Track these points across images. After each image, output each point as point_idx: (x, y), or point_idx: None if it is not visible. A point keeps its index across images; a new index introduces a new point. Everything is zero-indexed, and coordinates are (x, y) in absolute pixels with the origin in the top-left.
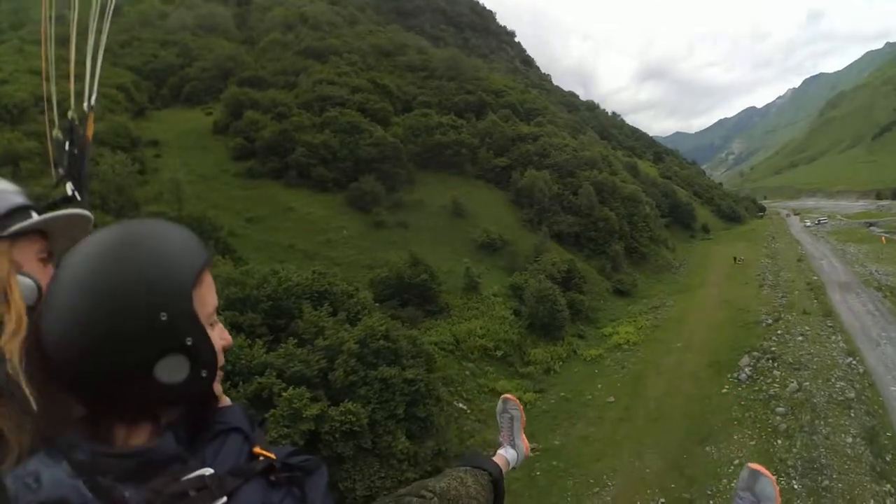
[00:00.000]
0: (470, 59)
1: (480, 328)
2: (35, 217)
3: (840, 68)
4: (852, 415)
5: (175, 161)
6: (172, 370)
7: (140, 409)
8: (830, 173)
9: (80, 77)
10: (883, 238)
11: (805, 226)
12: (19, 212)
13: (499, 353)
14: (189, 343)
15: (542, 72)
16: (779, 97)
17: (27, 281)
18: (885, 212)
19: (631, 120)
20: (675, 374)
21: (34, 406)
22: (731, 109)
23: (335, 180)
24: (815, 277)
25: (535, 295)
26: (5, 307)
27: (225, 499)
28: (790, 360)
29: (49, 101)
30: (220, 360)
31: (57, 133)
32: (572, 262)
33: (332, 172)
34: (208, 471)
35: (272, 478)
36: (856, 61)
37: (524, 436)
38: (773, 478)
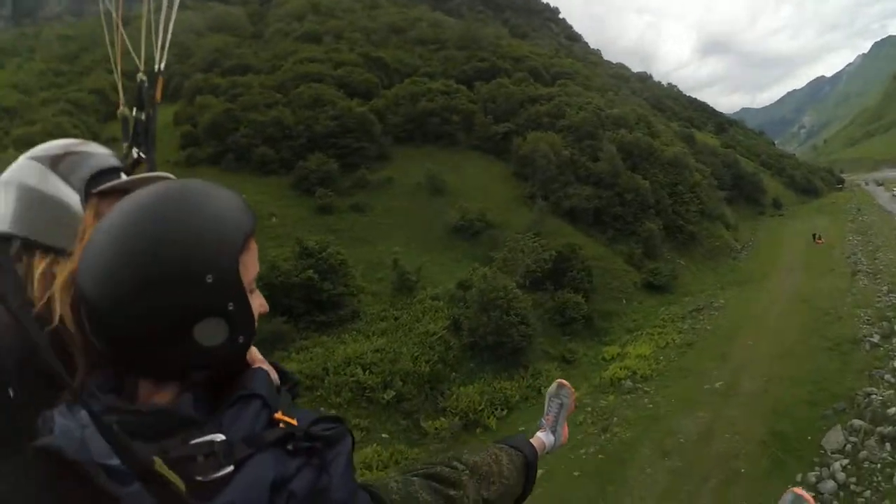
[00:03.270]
0: (490, 28)
1: (374, 351)
2: (123, 178)
3: None
4: None
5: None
6: (211, 333)
7: (173, 368)
8: None
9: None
10: None
11: (893, 195)
12: (111, 172)
13: (387, 397)
14: (231, 308)
15: (592, 47)
16: (848, 64)
17: None
18: None
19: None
20: (696, 463)
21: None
22: (799, 80)
23: (283, 161)
24: None
25: (478, 300)
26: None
27: (231, 468)
28: None
29: (119, 79)
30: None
31: (123, 110)
32: (571, 247)
33: (282, 152)
34: (219, 437)
35: (289, 447)
36: None
37: (567, 424)
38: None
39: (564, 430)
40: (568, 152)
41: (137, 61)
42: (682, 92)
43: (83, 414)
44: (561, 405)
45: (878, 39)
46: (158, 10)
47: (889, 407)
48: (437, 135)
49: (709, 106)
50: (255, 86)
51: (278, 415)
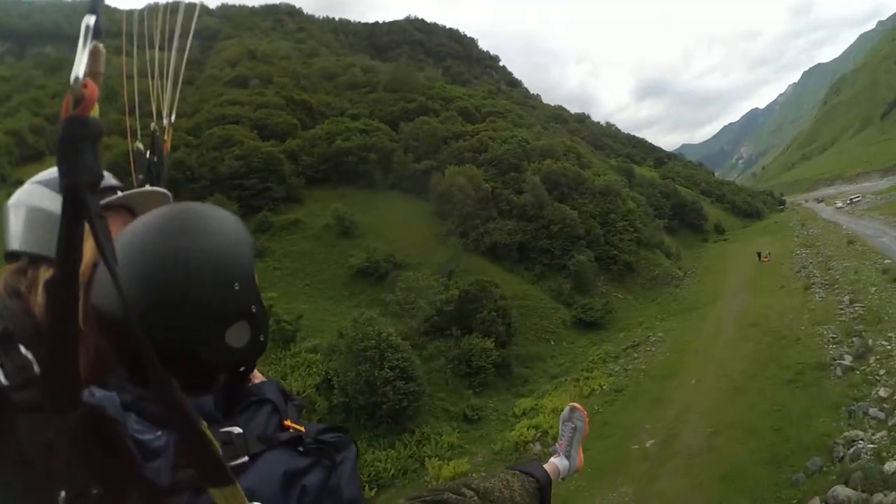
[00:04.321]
0: (425, 71)
1: None
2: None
3: (836, 56)
4: None
5: None
6: (238, 335)
7: (205, 371)
8: (845, 159)
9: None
10: None
11: (836, 207)
12: (109, 191)
13: None
14: (254, 310)
15: (532, 92)
16: (780, 94)
17: None
18: None
19: None
20: None
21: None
22: (734, 114)
23: None
24: (889, 261)
25: (346, 351)
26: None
27: (246, 458)
28: None
29: (132, 117)
30: None
31: (137, 144)
32: (481, 285)
33: (182, 195)
34: (236, 429)
35: (300, 448)
36: (850, 46)
37: (582, 449)
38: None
39: (580, 455)
40: (489, 186)
41: (154, 113)
42: (620, 130)
43: (117, 397)
44: (574, 429)
45: (807, 69)
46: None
47: (886, 460)
48: (354, 175)
49: (647, 142)
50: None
51: (287, 422)
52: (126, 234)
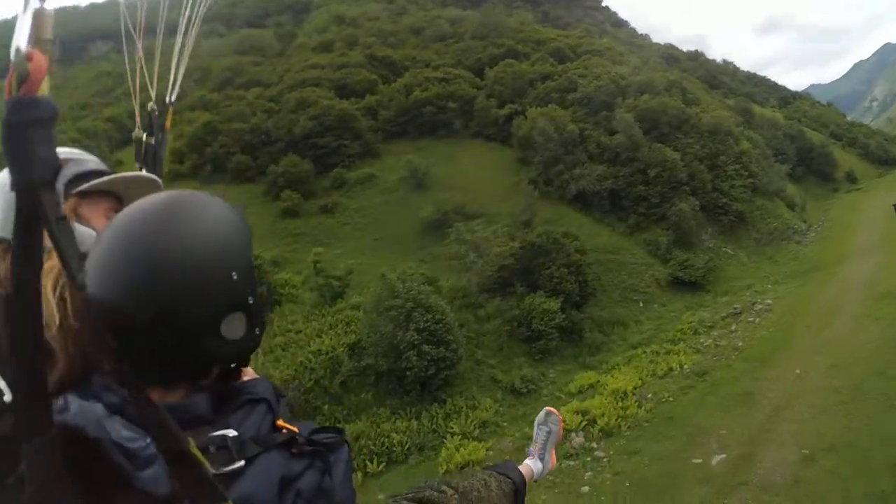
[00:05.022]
0: (518, 15)
1: None
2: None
3: None
4: None
5: None
6: (234, 327)
7: (198, 364)
8: None
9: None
10: None
11: None
12: (94, 174)
13: None
14: (250, 301)
15: (640, 32)
16: None
17: (85, 230)
18: None
19: None
20: None
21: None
22: (866, 50)
23: (259, 167)
24: None
25: (372, 309)
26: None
27: (243, 462)
28: None
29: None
30: None
31: (138, 132)
32: (551, 236)
33: (259, 159)
34: (231, 432)
35: (294, 450)
36: None
37: (554, 451)
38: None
39: (552, 457)
40: (576, 127)
41: (151, 92)
42: (738, 68)
43: (99, 406)
44: (549, 432)
45: None
46: (181, 45)
47: None
48: (433, 125)
49: (769, 80)
50: (249, 97)
51: (280, 422)
52: (120, 221)
